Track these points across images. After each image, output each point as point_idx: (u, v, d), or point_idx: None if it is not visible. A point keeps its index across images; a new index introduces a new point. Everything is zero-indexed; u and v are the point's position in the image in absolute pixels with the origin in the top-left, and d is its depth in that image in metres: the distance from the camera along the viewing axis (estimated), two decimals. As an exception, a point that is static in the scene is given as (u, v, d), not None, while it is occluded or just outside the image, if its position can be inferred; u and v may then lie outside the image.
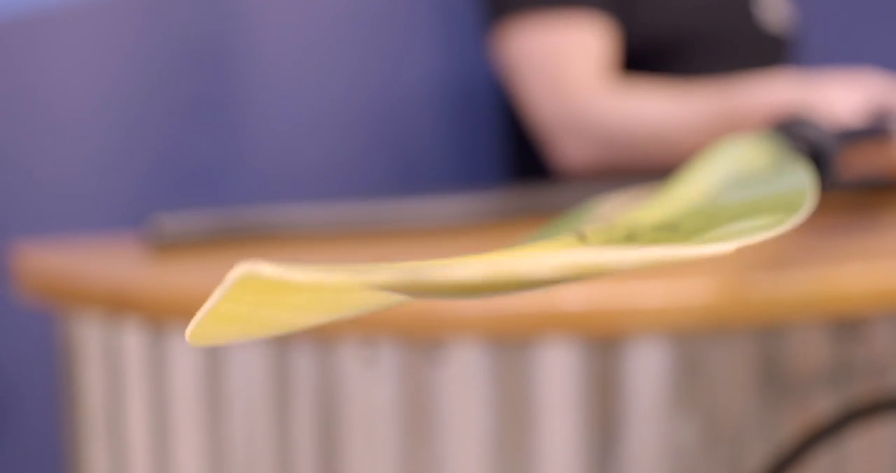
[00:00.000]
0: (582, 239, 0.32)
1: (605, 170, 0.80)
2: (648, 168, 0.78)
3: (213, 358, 0.51)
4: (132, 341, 0.54)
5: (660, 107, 0.76)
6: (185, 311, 0.51)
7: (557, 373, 0.46)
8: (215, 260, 0.56)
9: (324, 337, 0.48)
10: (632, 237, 0.31)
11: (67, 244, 0.63)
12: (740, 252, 0.51)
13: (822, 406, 0.46)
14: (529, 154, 0.88)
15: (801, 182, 0.34)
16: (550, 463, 0.46)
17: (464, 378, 0.46)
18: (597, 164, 0.80)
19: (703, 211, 0.34)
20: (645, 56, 0.84)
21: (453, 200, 0.64)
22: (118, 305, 0.52)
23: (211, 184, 0.79)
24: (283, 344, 0.49)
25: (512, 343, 0.46)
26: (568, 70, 0.79)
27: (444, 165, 0.87)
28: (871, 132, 0.55)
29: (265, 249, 0.59)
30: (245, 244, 0.61)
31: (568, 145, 0.80)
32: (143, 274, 0.53)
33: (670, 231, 0.32)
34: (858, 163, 0.60)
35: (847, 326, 0.47)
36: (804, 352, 0.46)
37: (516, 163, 0.89)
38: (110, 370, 0.55)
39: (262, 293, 0.22)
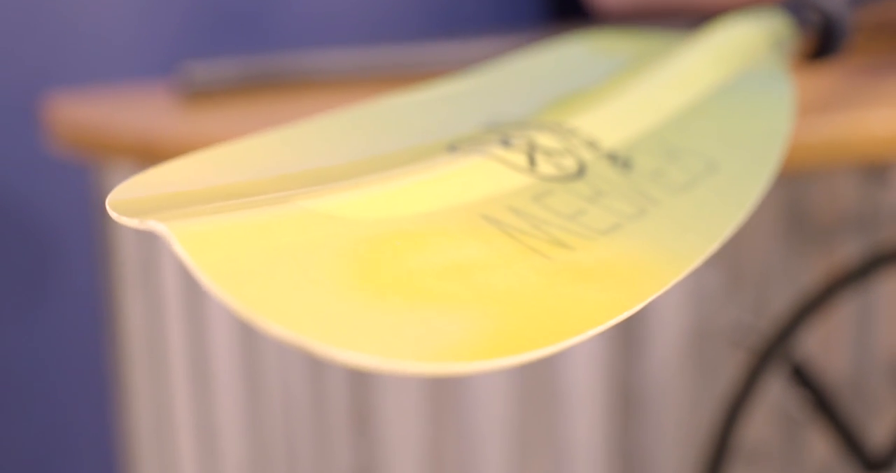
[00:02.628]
0: (505, 154, 0.26)
1: (645, 11, 0.78)
2: (693, 8, 0.76)
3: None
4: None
5: None
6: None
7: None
8: (247, 108, 0.56)
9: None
10: (583, 170, 0.26)
11: (99, 94, 0.64)
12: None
13: (849, 251, 0.46)
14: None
15: (781, 118, 0.32)
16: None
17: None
18: (636, 5, 0.78)
19: (664, 141, 0.29)
20: None
21: (490, 42, 0.63)
22: (148, 156, 0.52)
23: (251, 29, 0.79)
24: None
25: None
26: None
27: (483, 6, 0.86)
28: None
29: (298, 96, 0.59)
30: (277, 91, 0.61)
31: None
32: (172, 124, 0.53)
33: (623, 167, 0.27)
34: (884, 15, 0.58)
35: (875, 171, 0.46)
36: (831, 197, 0.46)
37: (553, 5, 0.87)
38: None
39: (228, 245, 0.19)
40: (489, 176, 0.24)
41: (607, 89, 0.32)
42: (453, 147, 0.26)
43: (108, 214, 0.58)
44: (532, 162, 0.25)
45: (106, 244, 0.60)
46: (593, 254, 0.22)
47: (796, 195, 0.46)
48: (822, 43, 0.43)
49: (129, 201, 0.20)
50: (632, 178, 0.26)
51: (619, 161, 0.27)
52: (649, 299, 0.20)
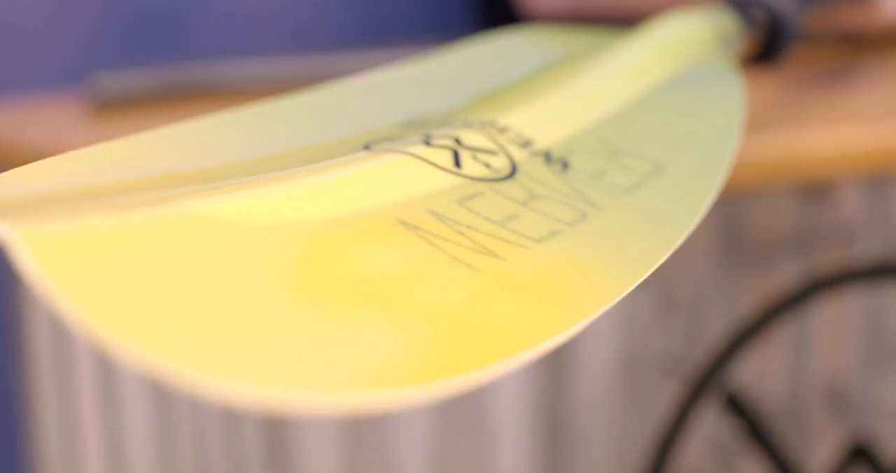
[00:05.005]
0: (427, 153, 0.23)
1: (578, 18, 0.76)
2: (622, 16, 0.75)
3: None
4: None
5: None
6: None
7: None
8: (160, 121, 0.53)
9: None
10: (514, 171, 0.23)
11: (4, 105, 0.61)
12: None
13: (786, 274, 0.44)
14: (499, 4, 0.84)
15: (731, 120, 0.30)
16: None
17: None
18: (569, 11, 0.76)
19: (605, 140, 0.26)
20: None
21: (416, 52, 0.61)
22: (51, 170, 0.50)
23: (167, 37, 0.76)
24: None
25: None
26: None
27: (411, 13, 0.84)
28: None
29: (214, 107, 0.56)
30: (193, 102, 0.58)
31: None
32: (81, 137, 0.51)
33: (560, 168, 0.24)
34: (834, 22, 0.56)
35: (814, 191, 0.44)
36: (767, 218, 0.44)
37: (485, 14, 0.85)
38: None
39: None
40: (407, 176, 0.21)
41: (541, 84, 0.29)
42: (368, 145, 0.23)
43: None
44: (457, 161, 0.22)
45: (10, 265, 0.57)
46: (527, 265, 0.19)
47: (732, 216, 0.44)
48: (768, 44, 0.41)
49: None
50: (570, 180, 0.23)
51: (556, 161, 0.24)
52: (593, 316, 0.18)
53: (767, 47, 0.41)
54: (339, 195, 0.19)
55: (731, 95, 0.32)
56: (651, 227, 0.22)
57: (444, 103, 0.27)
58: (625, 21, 0.74)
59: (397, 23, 0.82)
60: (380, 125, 0.25)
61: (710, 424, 0.45)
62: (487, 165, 0.23)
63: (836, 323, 0.45)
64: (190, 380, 0.14)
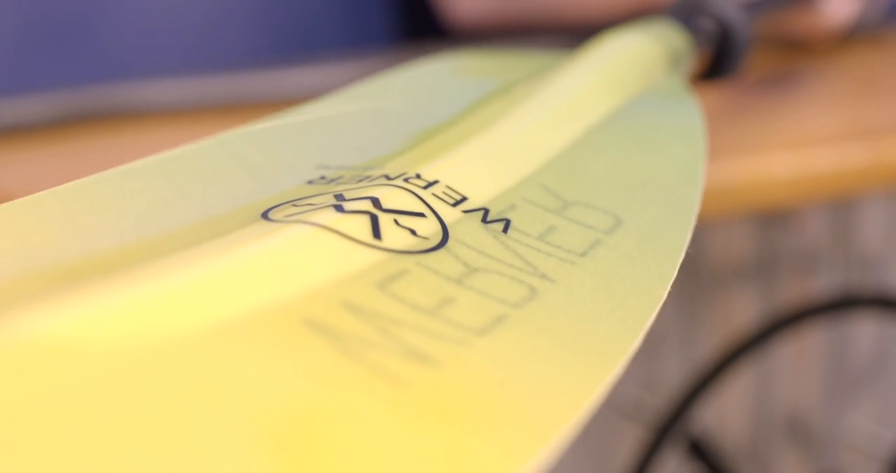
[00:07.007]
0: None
1: (504, 26, 0.73)
2: (552, 24, 0.72)
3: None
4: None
5: None
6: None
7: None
8: (61, 151, 0.49)
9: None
10: (445, 237, 0.19)
11: None
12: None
13: (746, 312, 0.41)
14: (420, 11, 0.81)
15: (693, 149, 0.26)
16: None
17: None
18: (493, 17, 0.73)
19: (550, 191, 0.22)
20: None
21: (334, 67, 0.57)
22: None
23: (72, 45, 0.71)
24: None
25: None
26: None
27: (332, 27, 0.80)
28: None
29: (122, 133, 0.52)
30: (98, 128, 0.54)
31: None
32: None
33: (500, 230, 0.20)
34: (778, 28, 0.54)
35: (773, 219, 0.42)
36: (726, 249, 0.41)
37: (406, 23, 0.81)
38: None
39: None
40: (315, 255, 0.16)
41: (472, 123, 0.24)
42: (267, 212, 0.18)
43: None
44: (376, 229, 0.18)
45: None
46: (468, 371, 0.15)
47: (689, 249, 0.41)
48: (719, 58, 0.37)
49: None
50: (512, 245, 0.19)
51: (494, 221, 0.20)
52: (560, 439, 0.13)
53: (718, 62, 0.38)
54: (226, 291, 0.15)
55: (690, 125, 0.28)
56: (616, 301, 0.18)
57: (359, 152, 0.22)
58: (551, 27, 0.71)
59: (313, 32, 0.78)
60: (283, 182, 0.20)
61: (672, 470, 0.42)
62: (413, 232, 0.18)
63: (797, 358, 0.43)
64: None
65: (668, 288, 0.19)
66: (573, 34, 0.64)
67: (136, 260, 0.16)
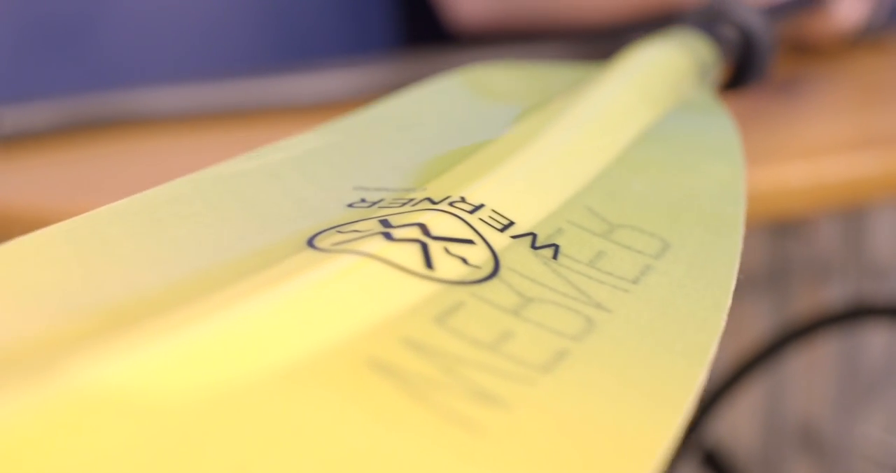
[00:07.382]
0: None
1: (507, 29, 0.73)
2: (555, 27, 0.72)
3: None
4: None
5: None
6: (32, 224, 0.44)
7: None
8: (67, 158, 0.49)
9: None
10: (497, 266, 0.18)
11: None
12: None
13: (760, 322, 0.41)
14: (423, 15, 0.80)
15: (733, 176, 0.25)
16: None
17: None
18: (496, 21, 0.73)
19: (595, 214, 0.21)
20: None
21: (337, 73, 0.57)
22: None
23: (74, 47, 0.71)
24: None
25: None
26: None
27: (333, 31, 0.80)
28: (803, 3, 0.48)
29: (128, 139, 0.52)
30: (103, 134, 0.54)
31: None
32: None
33: (550, 256, 0.19)
34: (789, 31, 0.54)
35: (787, 228, 0.41)
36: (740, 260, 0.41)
37: (408, 28, 0.81)
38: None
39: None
40: (371, 288, 0.15)
41: (509, 144, 0.23)
42: (312, 240, 0.17)
43: None
44: (428, 258, 0.16)
45: None
46: (538, 412, 0.14)
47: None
48: (742, 67, 0.36)
49: None
50: (564, 272, 0.18)
51: (543, 246, 0.19)
52: None
53: (742, 70, 0.37)
54: (284, 331, 0.14)
55: (726, 140, 0.27)
56: (675, 332, 0.17)
57: (396, 172, 0.21)
58: (554, 30, 0.70)
59: (316, 37, 0.78)
60: (323, 206, 0.19)
61: (685, 481, 0.42)
62: (465, 261, 0.17)
63: (809, 368, 0.43)
64: None
65: (725, 317, 0.18)
66: (576, 37, 0.64)
67: (184, 298, 0.15)
